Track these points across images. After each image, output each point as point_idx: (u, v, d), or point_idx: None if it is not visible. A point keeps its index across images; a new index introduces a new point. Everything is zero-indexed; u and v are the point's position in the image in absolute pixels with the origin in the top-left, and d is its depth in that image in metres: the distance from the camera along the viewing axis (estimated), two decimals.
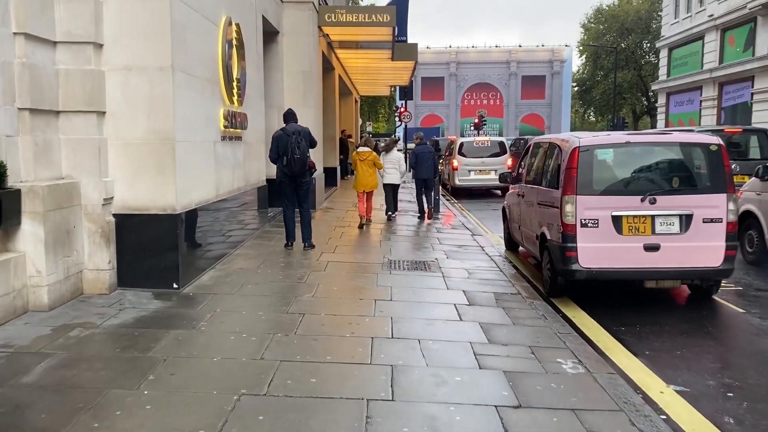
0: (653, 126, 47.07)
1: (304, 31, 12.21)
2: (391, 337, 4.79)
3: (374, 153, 10.94)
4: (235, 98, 7.92)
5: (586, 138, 6.42)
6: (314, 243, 8.41)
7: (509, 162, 18.44)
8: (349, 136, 23.18)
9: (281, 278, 6.70)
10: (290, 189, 8.18)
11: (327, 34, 13.98)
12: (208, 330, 4.87)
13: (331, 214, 12.46)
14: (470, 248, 9.04)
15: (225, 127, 7.51)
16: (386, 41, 14.86)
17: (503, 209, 9.81)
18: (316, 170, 8.32)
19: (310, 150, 8.13)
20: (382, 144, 12.60)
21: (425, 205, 12.17)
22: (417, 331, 4.93)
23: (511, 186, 9.40)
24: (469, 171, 18.25)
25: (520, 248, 9.03)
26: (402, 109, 31.28)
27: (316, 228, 9.94)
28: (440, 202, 13.49)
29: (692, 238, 6.02)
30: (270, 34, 11.43)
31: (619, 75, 42.57)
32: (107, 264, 5.75)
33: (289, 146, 7.82)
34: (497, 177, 18.55)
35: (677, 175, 6.29)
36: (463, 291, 6.34)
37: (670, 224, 6.05)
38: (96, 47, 5.62)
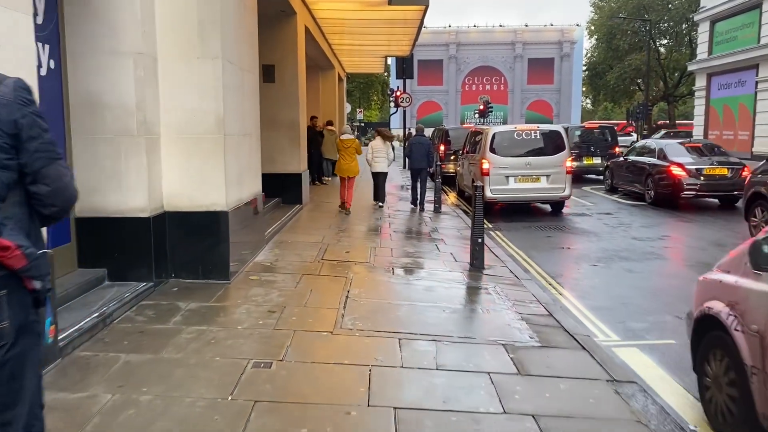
0: (671, 114, 41.42)
1: None
2: None
3: (356, 141, 11.34)
4: None
5: None
6: None
7: (569, 164, 12.07)
8: (329, 124, 16.77)
9: None
10: None
11: None
12: None
13: (268, 290, 5.73)
14: None
15: None
16: None
17: (730, 344, 3.49)
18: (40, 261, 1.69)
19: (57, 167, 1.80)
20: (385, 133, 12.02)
21: (418, 196, 12.01)
22: None
23: None
24: (507, 177, 11.86)
25: None
26: (399, 92, 24.82)
27: (201, 351, 3.38)
28: (484, 245, 7.17)
29: None
30: None
31: (635, 57, 38.56)
32: None
33: None
34: (550, 186, 11.59)
35: None
36: None
37: None
38: None
